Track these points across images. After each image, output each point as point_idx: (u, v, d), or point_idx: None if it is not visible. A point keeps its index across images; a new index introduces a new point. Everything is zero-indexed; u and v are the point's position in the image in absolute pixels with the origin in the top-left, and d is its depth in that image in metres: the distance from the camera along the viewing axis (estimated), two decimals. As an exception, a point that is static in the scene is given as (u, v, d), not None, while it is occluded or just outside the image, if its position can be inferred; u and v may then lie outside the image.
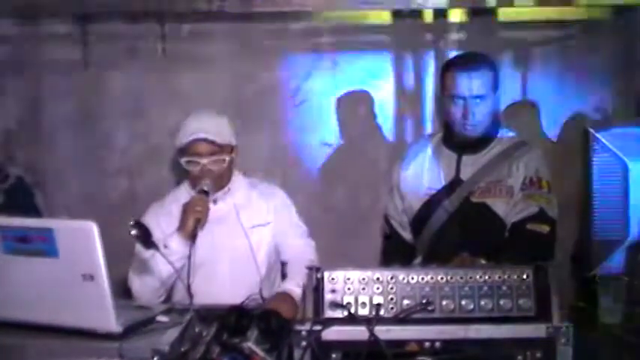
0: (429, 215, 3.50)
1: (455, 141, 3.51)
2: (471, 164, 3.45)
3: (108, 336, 2.24)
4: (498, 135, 3.51)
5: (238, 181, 3.45)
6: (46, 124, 4.64)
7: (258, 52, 4.62)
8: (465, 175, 3.45)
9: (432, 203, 3.50)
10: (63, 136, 4.66)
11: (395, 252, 3.73)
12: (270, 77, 4.65)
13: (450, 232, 3.44)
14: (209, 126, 3.24)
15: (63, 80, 4.62)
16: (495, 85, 3.42)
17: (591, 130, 2.50)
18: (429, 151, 3.61)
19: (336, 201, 4.71)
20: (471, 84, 3.32)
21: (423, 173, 3.57)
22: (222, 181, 3.33)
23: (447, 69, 3.45)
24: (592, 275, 2.62)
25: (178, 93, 4.60)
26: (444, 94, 3.43)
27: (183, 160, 3.27)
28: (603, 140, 2.48)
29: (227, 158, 3.27)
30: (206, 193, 3.23)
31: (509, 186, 3.38)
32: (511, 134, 3.56)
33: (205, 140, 3.21)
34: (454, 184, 3.46)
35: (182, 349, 2.30)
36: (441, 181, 3.50)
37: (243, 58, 4.61)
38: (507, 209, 3.36)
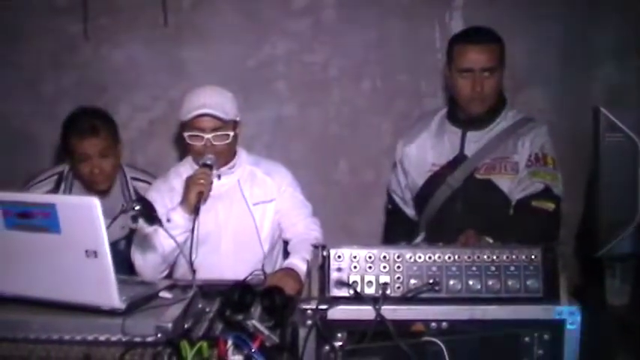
0: (432, 191, 3.50)
1: (460, 117, 3.51)
2: (475, 140, 3.45)
3: (111, 312, 2.23)
4: (503, 111, 3.49)
5: (242, 157, 3.44)
6: (47, 97, 4.60)
7: (260, 24, 4.59)
8: (469, 151, 3.45)
9: (435, 179, 3.50)
10: (64, 109, 4.62)
11: (397, 227, 3.77)
12: (273, 50, 4.61)
13: (454, 208, 3.44)
14: (214, 101, 3.21)
15: (64, 53, 4.58)
16: (502, 60, 3.42)
17: (602, 109, 2.46)
18: (433, 126, 3.61)
19: (338, 175, 4.69)
20: (481, 57, 3.33)
21: (427, 149, 3.57)
22: (225, 156, 3.32)
23: (455, 42, 3.45)
24: (598, 255, 2.59)
25: (180, 65, 4.57)
26: (452, 67, 3.42)
27: (186, 135, 3.25)
28: (613, 119, 2.45)
29: (231, 134, 3.25)
30: (209, 166, 3.21)
31: (514, 162, 3.38)
32: (516, 111, 3.55)
33: (209, 115, 3.19)
34: (458, 160, 3.45)
35: (185, 326, 2.29)
36: (445, 157, 3.50)
37: (246, 30, 4.58)
38: (512, 186, 3.36)
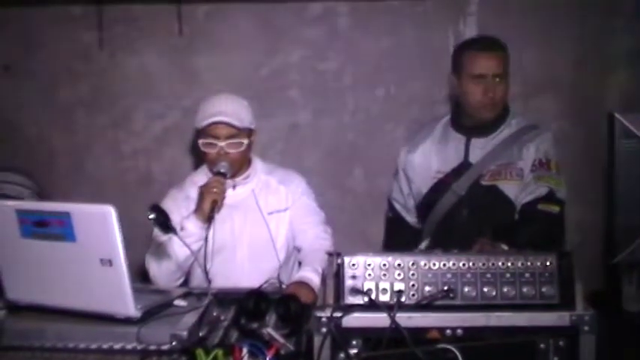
0: (437, 198, 3.52)
1: (465, 123, 3.53)
2: (480, 147, 3.48)
3: (126, 320, 2.24)
4: (507, 119, 3.52)
5: (257, 167, 3.44)
6: (62, 105, 4.62)
7: (275, 32, 4.60)
8: (473, 158, 3.47)
9: (440, 186, 3.52)
10: (79, 118, 4.65)
11: (399, 235, 3.79)
12: (287, 58, 4.62)
13: (460, 214, 3.47)
14: (229, 109, 3.22)
15: (79, 62, 4.60)
16: (509, 68, 3.45)
17: (616, 115, 2.45)
18: (437, 133, 3.64)
19: (353, 183, 4.69)
20: (492, 63, 3.38)
21: (431, 156, 3.59)
22: (240, 164, 3.32)
23: (465, 48, 3.49)
24: (615, 262, 2.58)
25: (195, 74, 4.59)
26: (463, 74, 3.44)
27: (201, 142, 3.25)
28: (628, 125, 2.44)
29: (245, 141, 3.25)
30: (223, 175, 3.21)
31: (519, 168, 3.40)
32: (520, 118, 3.56)
33: (224, 123, 3.19)
34: (463, 167, 3.48)
35: (200, 334, 2.29)
36: (449, 164, 3.52)
37: (260, 39, 4.59)
38: (517, 191, 3.38)
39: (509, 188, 3.38)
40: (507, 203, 3.38)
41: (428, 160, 3.59)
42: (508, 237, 3.06)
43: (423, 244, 3.55)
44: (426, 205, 3.59)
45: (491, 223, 3.29)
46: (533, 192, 3.32)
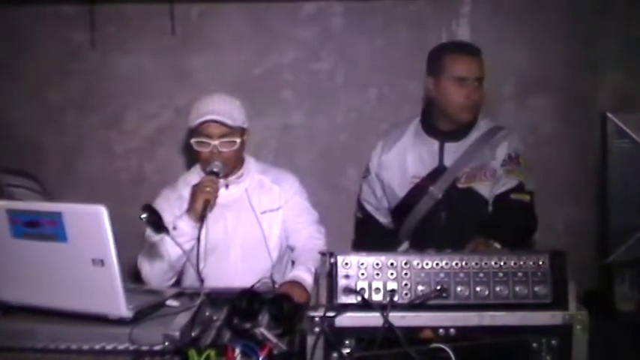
0: (414, 202, 3.57)
1: (439, 127, 3.58)
2: (454, 151, 3.54)
3: (118, 321, 2.23)
4: (477, 121, 3.59)
5: (250, 166, 3.44)
6: (53, 105, 4.61)
7: (268, 33, 4.59)
8: (448, 161, 3.53)
9: (417, 191, 3.57)
10: (71, 118, 4.64)
11: (372, 235, 3.83)
12: (280, 58, 4.61)
13: (438, 218, 3.53)
14: (221, 108, 3.22)
15: (71, 61, 4.59)
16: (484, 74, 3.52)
17: (609, 115, 2.46)
18: (409, 137, 3.68)
19: (346, 183, 4.68)
20: (474, 67, 3.46)
21: (406, 160, 3.63)
22: (232, 163, 3.31)
23: (447, 52, 3.55)
24: (607, 261, 2.59)
25: (187, 73, 4.58)
26: (442, 76, 3.49)
27: (193, 141, 3.25)
28: (621, 125, 2.44)
29: (238, 141, 3.25)
30: (216, 174, 3.21)
31: (493, 169, 3.47)
32: (487, 119, 3.63)
33: (217, 122, 3.19)
34: (439, 172, 3.53)
35: (193, 334, 2.28)
36: (424, 169, 3.57)
37: (253, 39, 4.58)
38: (492, 189, 3.46)
39: (485, 188, 3.46)
40: (484, 204, 3.46)
41: (402, 163, 3.64)
42: (486, 232, 3.12)
43: (403, 247, 3.63)
44: (402, 208, 3.65)
45: (469, 225, 3.31)
46: (505, 184, 3.40)
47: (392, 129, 3.82)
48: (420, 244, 3.27)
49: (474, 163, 3.48)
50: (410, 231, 3.62)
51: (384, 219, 3.79)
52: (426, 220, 3.54)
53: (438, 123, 3.58)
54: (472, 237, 3.05)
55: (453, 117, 3.51)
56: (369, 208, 3.82)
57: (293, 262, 3.38)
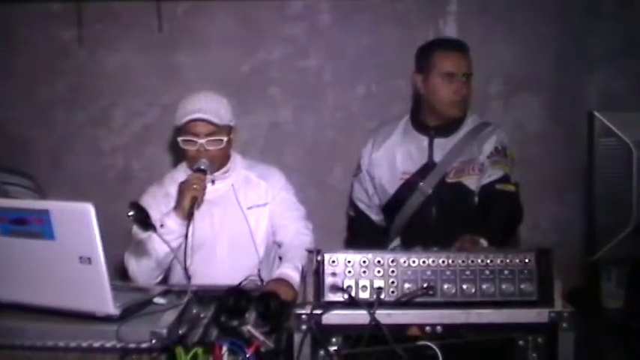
0: (405, 198, 3.59)
1: (428, 123, 3.61)
2: (443, 147, 3.56)
3: (105, 319, 2.22)
4: (465, 117, 3.62)
5: (236, 162, 3.44)
6: (42, 102, 4.60)
7: (255, 30, 4.59)
8: (437, 157, 3.56)
9: (407, 187, 3.59)
10: (58, 116, 4.63)
11: (364, 233, 3.83)
12: (268, 55, 4.61)
13: (429, 213, 3.56)
14: (208, 106, 3.21)
15: (58, 59, 4.58)
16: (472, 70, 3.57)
17: (596, 113, 2.47)
18: (399, 134, 3.71)
19: (333, 180, 4.69)
20: (462, 63, 3.51)
21: (395, 156, 3.66)
22: (220, 161, 3.31)
23: (436, 48, 3.59)
24: (594, 259, 2.60)
25: (175, 71, 4.58)
26: (431, 72, 3.53)
27: (180, 140, 3.25)
28: (607, 123, 2.45)
29: (225, 139, 3.25)
30: (203, 171, 3.21)
31: (480, 163, 3.51)
32: (475, 115, 3.66)
33: (203, 120, 3.19)
34: (429, 167, 3.56)
35: (180, 332, 2.28)
36: (414, 165, 3.60)
37: (240, 36, 4.58)
38: (479, 182, 3.50)
39: (473, 182, 3.50)
40: (472, 197, 3.50)
41: (392, 160, 3.66)
42: (473, 223, 3.19)
43: (394, 244, 3.65)
44: (392, 205, 3.66)
45: (459, 219, 3.38)
46: (491, 175, 3.45)
47: (381, 126, 3.83)
48: (411, 240, 3.35)
49: (462, 157, 3.51)
50: (401, 227, 3.64)
51: (375, 216, 3.80)
52: (417, 215, 3.56)
53: (427, 119, 3.60)
54: (460, 234, 3.07)
55: (441, 113, 3.54)
56: (361, 206, 3.83)
57: (280, 258, 3.38)
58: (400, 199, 3.60)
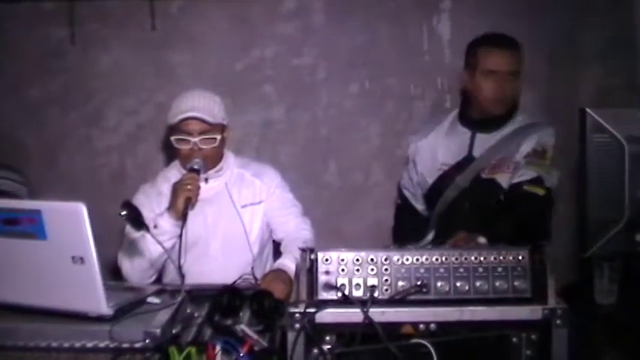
0: (442, 190, 3.58)
1: (473, 118, 3.58)
2: (484, 142, 3.53)
3: (99, 318, 2.22)
4: (514, 115, 3.57)
5: (230, 160, 3.43)
6: (34, 102, 4.59)
7: (249, 28, 4.59)
8: (477, 152, 3.53)
9: (445, 178, 3.58)
10: (51, 115, 4.62)
11: (407, 222, 3.87)
12: (261, 53, 4.61)
13: (462, 207, 3.52)
14: (201, 105, 3.21)
15: (51, 58, 4.57)
16: (521, 67, 3.50)
17: (588, 110, 2.47)
18: (445, 126, 3.69)
19: (328, 178, 4.69)
20: (507, 60, 3.44)
21: (438, 148, 3.65)
22: (213, 160, 3.31)
23: (480, 44, 3.53)
24: (586, 255, 2.60)
25: (168, 69, 4.58)
26: (477, 69, 3.48)
27: (173, 139, 3.24)
28: (599, 120, 2.45)
29: (218, 137, 3.24)
30: (197, 171, 3.20)
31: (515, 162, 3.44)
32: (526, 115, 3.60)
33: (197, 119, 3.18)
34: (467, 161, 3.54)
35: (173, 332, 2.28)
36: (454, 158, 3.58)
37: (234, 34, 4.58)
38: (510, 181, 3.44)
39: (505, 180, 3.43)
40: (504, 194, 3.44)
41: (434, 151, 3.66)
42: (490, 222, 3.14)
43: (429, 237, 3.60)
44: (431, 195, 3.66)
45: (489, 215, 3.33)
46: (522, 175, 3.37)
47: (431, 118, 3.87)
48: (445, 234, 3.28)
49: (500, 155, 3.47)
50: (438, 218, 3.62)
51: (420, 205, 3.81)
52: (451, 209, 3.55)
53: (471, 114, 3.59)
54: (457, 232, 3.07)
55: (484, 109, 3.51)
56: (407, 194, 3.86)
57: (274, 257, 3.39)
58: (437, 190, 3.59)
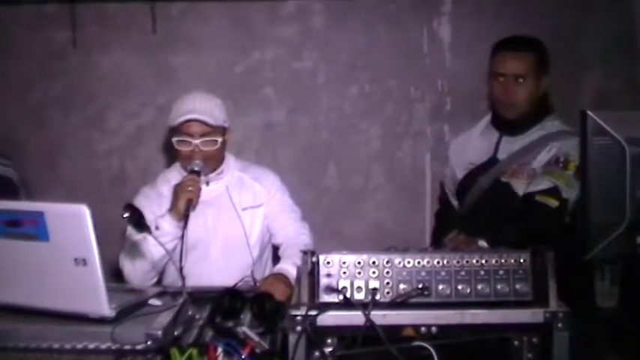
0: (468, 188, 3.60)
1: (498, 121, 3.58)
2: (509, 145, 3.52)
3: (100, 320, 2.23)
4: (544, 120, 3.52)
5: (231, 163, 3.44)
6: (35, 104, 4.59)
7: (249, 31, 4.60)
8: (501, 155, 3.53)
9: (470, 177, 3.60)
10: (53, 117, 4.62)
11: (443, 216, 3.88)
12: (261, 56, 4.62)
13: (481, 208, 3.53)
14: (202, 107, 3.21)
15: (52, 61, 4.58)
16: (541, 69, 3.47)
17: (589, 112, 2.47)
18: (480, 127, 3.71)
19: (328, 181, 4.69)
20: (514, 63, 3.42)
21: (468, 146, 3.68)
22: (214, 162, 3.31)
23: (497, 47, 3.53)
24: (587, 258, 2.60)
25: (169, 72, 4.59)
26: (490, 72, 3.52)
27: (174, 140, 3.24)
28: (600, 122, 2.45)
29: (219, 139, 3.24)
30: (197, 173, 3.20)
31: (532, 168, 3.41)
32: (558, 122, 3.54)
33: (198, 121, 3.19)
34: (491, 163, 3.54)
35: (175, 333, 2.28)
36: (480, 158, 3.59)
37: (234, 37, 4.58)
38: (525, 189, 3.41)
39: (520, 187, 3.41)
40: (516, 201, 3.40)
41: (466, 148, 3.69)
42: (501, 227, 3.15)
43: (450, 236, 3.51)
44: (461, 192, 3.68)
45: (502, 219, 3.29)
46: (538, 184, 3.32)
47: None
48: (471, 230, 3.29)
49: (522, 160, 3.45)
50: (464, 215, 3.62)
51: (455, 202, 3.80)
52: (474, 210, 3.56)
53: (496, 116, 3.60)
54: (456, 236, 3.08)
55: (497, 113, 3.54)
56: (446, 190, 3.86)
57: (273, 260, 3.39)
58: (464, 188, 3.61)
